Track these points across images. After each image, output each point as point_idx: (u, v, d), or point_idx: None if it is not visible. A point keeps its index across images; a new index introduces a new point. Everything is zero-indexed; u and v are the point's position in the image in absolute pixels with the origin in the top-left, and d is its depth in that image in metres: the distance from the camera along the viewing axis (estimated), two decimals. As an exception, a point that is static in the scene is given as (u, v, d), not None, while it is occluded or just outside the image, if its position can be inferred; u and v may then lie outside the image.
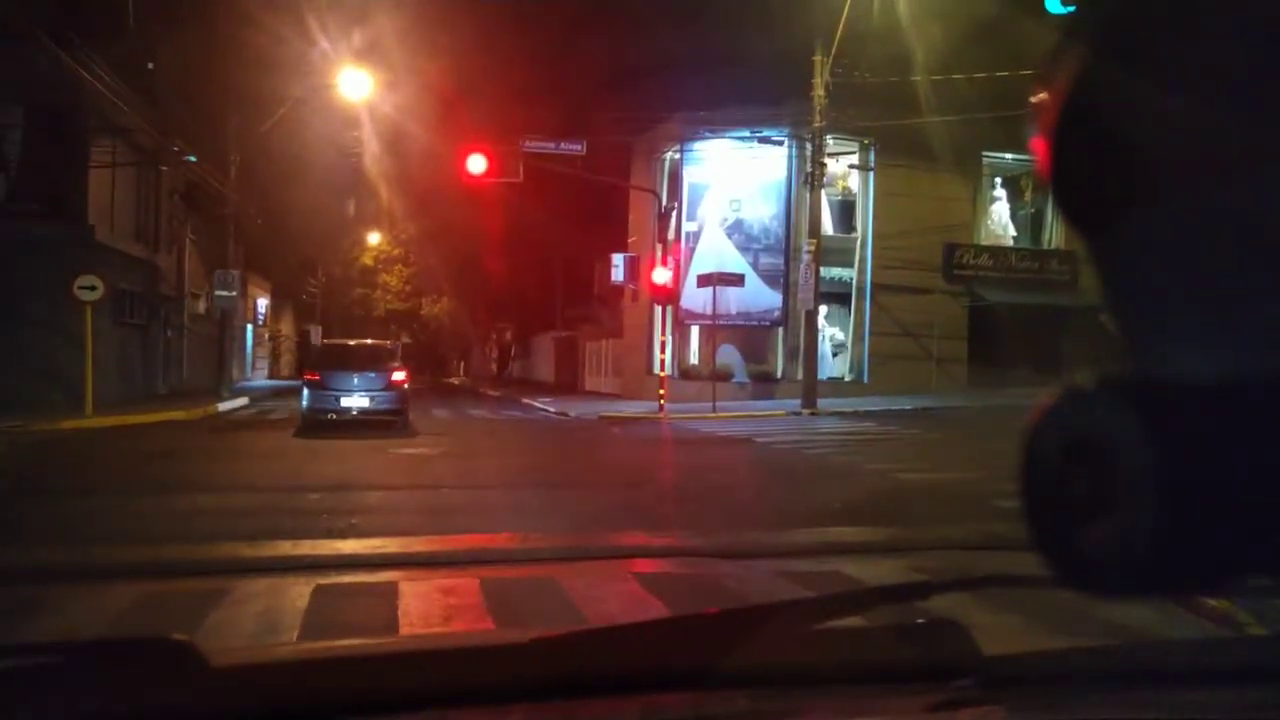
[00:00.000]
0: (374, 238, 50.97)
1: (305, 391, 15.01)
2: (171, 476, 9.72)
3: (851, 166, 23.37)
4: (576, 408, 21.28)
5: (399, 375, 15.31)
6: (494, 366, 49.83)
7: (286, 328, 49.81)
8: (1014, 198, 26.15)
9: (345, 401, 14.70)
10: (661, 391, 19.66)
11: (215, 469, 10.58)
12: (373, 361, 15.46)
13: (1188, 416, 0.58)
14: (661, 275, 19.94)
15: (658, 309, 22.14)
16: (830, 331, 24.09)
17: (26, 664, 1.03)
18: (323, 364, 15.44)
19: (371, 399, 14.82)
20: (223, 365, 22.72)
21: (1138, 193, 0.63)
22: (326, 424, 14.46)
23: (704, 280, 20.58)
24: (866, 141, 22.75)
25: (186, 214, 24.84)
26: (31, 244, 16.84)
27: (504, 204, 30.50)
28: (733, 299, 21.78)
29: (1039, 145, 0.67)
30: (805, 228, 20.51)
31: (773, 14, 20.49)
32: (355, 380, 14.83)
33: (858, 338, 24.11)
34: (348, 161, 31.72)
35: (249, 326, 37.47)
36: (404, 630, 4.02)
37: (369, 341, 18.17)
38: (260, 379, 39.23)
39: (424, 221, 42.89)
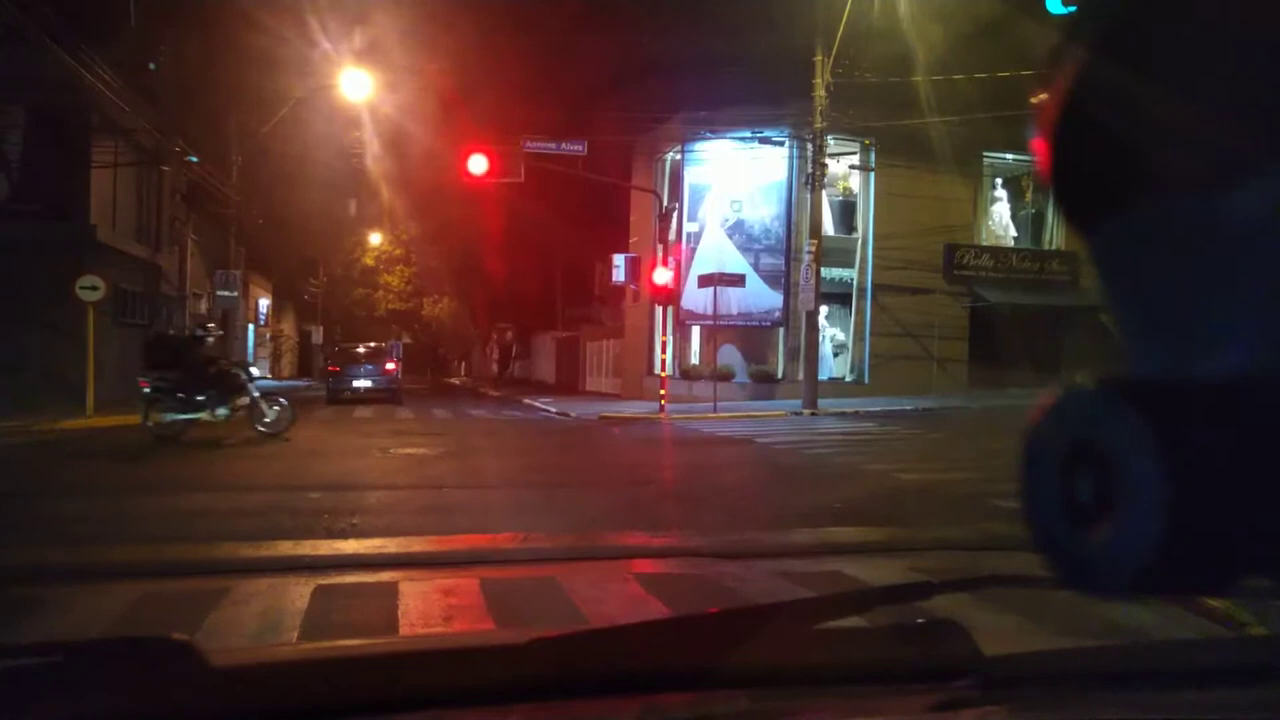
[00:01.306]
0: (375, 238, 50.97)
1: (330, 377, 23.47)
2: (171, 476, 9.72)
3: (852, 167, 23.37)
4: (577, 408, 21.28)
5: (391, 366, 23.64)
6: (495, 367, 49.80)
7: (288, 328, 49.82)
8: (1015, 198, 26.16)
9: (356, 384, 22.59)
10: (662, 392, 19.66)
11: (215, 469, 10.58)
12: (374, 357, 23.78)
13: (1188, 417, 0.58)
14: (662, 276, 19.94)
15: (659, 309, 22.13)
16: (831, 332, 24.09)
17: (27, 664, 1.03)
18: (340, 360, 23.83)
19: (373, 382, 22.79)
20: (223, 365, 22.69)
21: (1138, 193, 0.63)
22: (344, 398, 22.09)
23: (705, 281, 20.58)
24: (867, 142, 22.75)
25: (188, 214, 24.83)
26: (32, 244, 16.86)
27: (505, 204, 30.49)
28: (734, 299, 21.78)
29: (1039, 145, 0.67)
30: (806, 228, 20.51)
31: (773, 14, 20.49)
32: (362, 370, 22.88)
33: (858, 338, 24.11)
34: (349, 162, 31.75)
35: (250, 326, 37.49)
36: (404, 630, 4.02)
37: (371, 344, 26.09)
38: (261, 379, 39.19)
39: (425, 222, 42.90)
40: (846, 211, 24.47)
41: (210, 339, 13.17)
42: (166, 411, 12.39)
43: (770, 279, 23.18)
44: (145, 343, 13.45)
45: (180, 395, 12.38)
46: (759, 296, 22.93)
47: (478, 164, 18.67)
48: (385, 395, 22.44)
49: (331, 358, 25.29)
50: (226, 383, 12.81)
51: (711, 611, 1.34)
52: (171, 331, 13.37)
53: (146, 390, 12.47)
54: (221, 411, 12.62)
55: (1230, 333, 0.61)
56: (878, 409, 19.11)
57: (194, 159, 22.63)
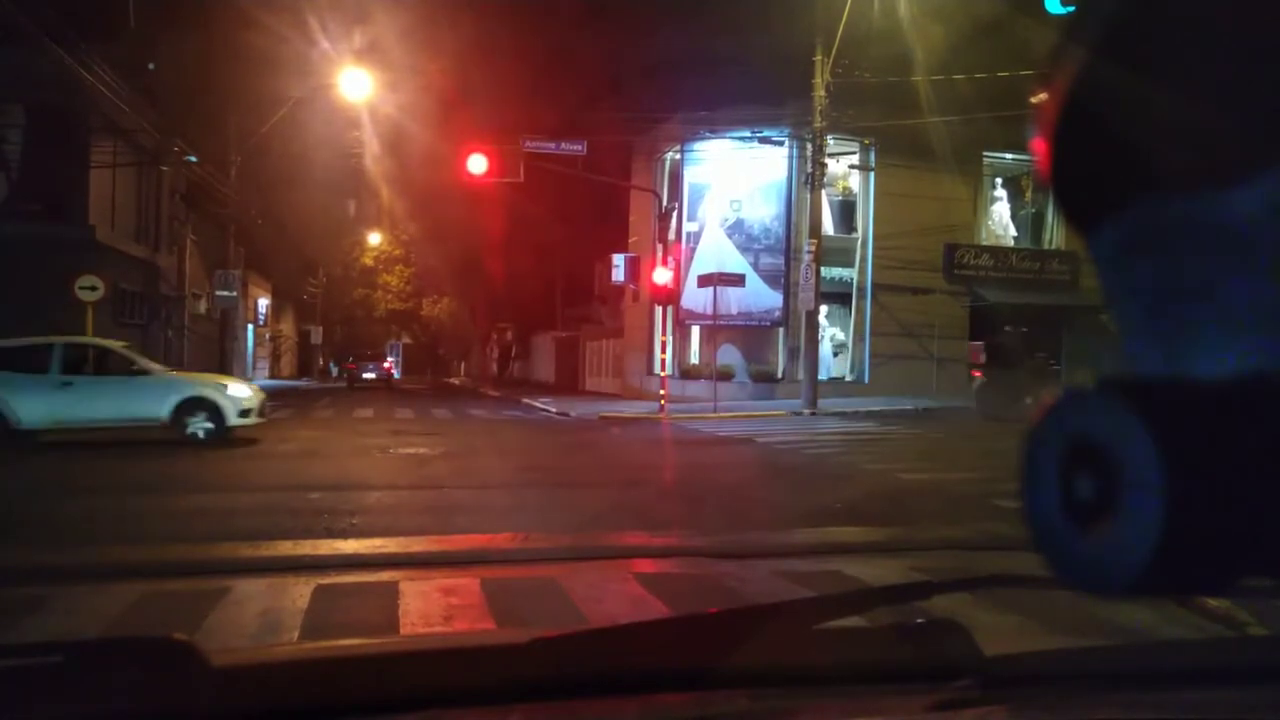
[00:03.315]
0: (375, 238, 50.97)
1: (348, 371, 39.66)
2: (172, 476, 9.72)
3: (852, 167, 23.37)
4: (577, 408, 21.28)
5: (387, 364, 41.68)
6: (494, 366, 49.82)
7: (287, 328, 49.80)
8: (1014, 198, 26.17)
9: (365, 375, 37.50)
10: (662, 391, 19.66)
11: (214, 468, 10.58)
12: (376, 358, 40.69)
13: (1188, 417, 0.58)
14: (662, 275, 19.94)
15: (658, 309, 22.13)
16: (831, 331, 24.08)
17: (27, 664, 1.03)
18: (356, 360, 39.34)
19: (376, 374, 38.03)
20: (223, 365, 22.71)
21: (1138, 193, 0.63)
22: (357, 386, 36.00)
23: (705, 280, 20.58)
24: (867, 141, 22.74)
25: (187, 214, 24.84)
26: (32, 244, 16.87)
27: (505, 204, 30.53)
28: (733, 299, 21.78)
29: (1039, 145, 0.66)
30: (806, 228, 20.51)
31: (773, 14, 20.48)
32: (368, 366, 38.39)
33: (858, 338, 24.11)
34: (348, 162, 31.77)
35: (250, 327, 37.48)
36: (404, 630, 4.02)
37: (373, 350, 44.08)
38: (261, 379, 39.21)
39: (424, 222, 42.93)
40: (846, 211, 24.46)
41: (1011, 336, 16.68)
42: (992, 398, 16.02)
43: (770, 279, 23.18)
44: (985, 343, 17.68)
45: (1004, 385, 15.84)
46: (759, 296, 22.93)
47: (477, 164, 18.67)
48: (383, 383, 37.59)
49: (349, 359, 41.34)
50: (1038, 375, 16.11)
51: (711, 611, 1.34)
52: (996, 338, 17.56)
53: (979, 379, 16.51)
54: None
55: (1230, 333, 0.61)
56: (878, 409, 19.12)
57: (193, 159, 22.62)
